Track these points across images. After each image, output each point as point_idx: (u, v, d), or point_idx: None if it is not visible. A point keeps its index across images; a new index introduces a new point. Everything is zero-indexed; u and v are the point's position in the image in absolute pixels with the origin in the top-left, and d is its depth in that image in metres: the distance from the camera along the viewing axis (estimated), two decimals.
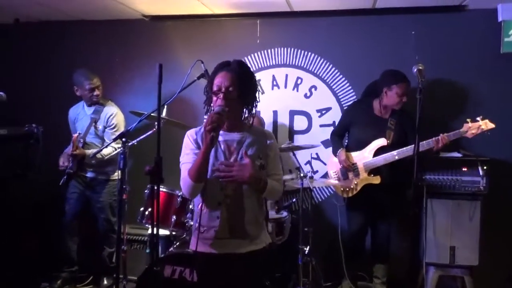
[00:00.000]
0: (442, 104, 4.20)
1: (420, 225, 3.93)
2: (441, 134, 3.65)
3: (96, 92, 4.21)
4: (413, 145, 3.39)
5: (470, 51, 4.21)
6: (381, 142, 3.88)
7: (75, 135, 4.09)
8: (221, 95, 2.33)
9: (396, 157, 3.78)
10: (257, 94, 2.47)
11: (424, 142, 3.65)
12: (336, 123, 4.40)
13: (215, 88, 2.36)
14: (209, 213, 2.41)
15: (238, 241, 2.42)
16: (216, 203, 2.40)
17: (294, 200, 4.28)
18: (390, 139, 3.87)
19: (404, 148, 3.74)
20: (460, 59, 4.23)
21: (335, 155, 4.06)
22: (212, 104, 2.41)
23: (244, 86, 2.37)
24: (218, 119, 2.24)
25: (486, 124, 3.64)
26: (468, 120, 3.67)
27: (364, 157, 3.94)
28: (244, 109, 2.44)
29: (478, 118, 3.66)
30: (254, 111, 2.47)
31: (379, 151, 3.88)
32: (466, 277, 3.88)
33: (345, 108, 4.44)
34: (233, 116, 2.39)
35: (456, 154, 3.97)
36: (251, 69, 2.51)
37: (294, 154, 3.98)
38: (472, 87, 4.22)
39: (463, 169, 3.85)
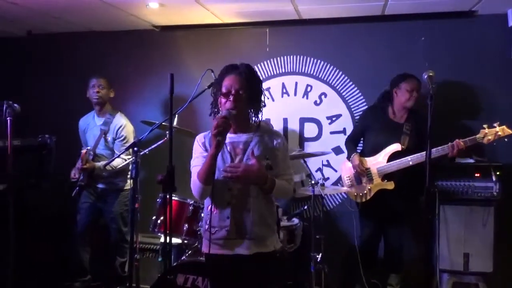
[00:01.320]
0: (453, 110, 4.18)
1: (433, 231, 3.90)
2: (456, 140, 3.60)
3: (96, 89, 4.22)
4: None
5: (481, 57, 4.19)
6: (396, 147, 3.84)
7: (84, 151, 4.11)
8: (231, 98, 2.37)
9: (410, 163, 3.73)
10: (262, 97, 2.51)
11: (439, 148, 3.62)
12: (347, 130, 4.41)
13: (224, 90, 2.40)
14: (219, 214, 2.44)
15: (244, 242, 2.43)
16: (225, 204, 2.43)
17: (305, 207, 4.26)
18: (405, 144, 3.83)
19: (419, 154, 3.67)
20: (470, 65, 4.21)
21: (349, 160, 4.05)
22: (219, 106, 2.45)
23: (252, 89, 2.43)
24: (224, 123, 2.28)
25: (503, 130, 3.58)
26: (485, 126, 3.60)
27: (378, 162, 3.90)
28: (251, 111, 2.47)
29: (495, 124, 3.60)
30: (260, 114, 2.50)
31: (394, 157, 3.83)
32: (481, 284, 3.84)
33: (355, 114, 4.44)
34: (241, 118, 2.43)
35: (468, 160, 3.93)
36: (258, 74, 2.55)
37: (305, 161, 3.97)
38: (483, 93, 4.20)
39: (476, 175, 3.83)
